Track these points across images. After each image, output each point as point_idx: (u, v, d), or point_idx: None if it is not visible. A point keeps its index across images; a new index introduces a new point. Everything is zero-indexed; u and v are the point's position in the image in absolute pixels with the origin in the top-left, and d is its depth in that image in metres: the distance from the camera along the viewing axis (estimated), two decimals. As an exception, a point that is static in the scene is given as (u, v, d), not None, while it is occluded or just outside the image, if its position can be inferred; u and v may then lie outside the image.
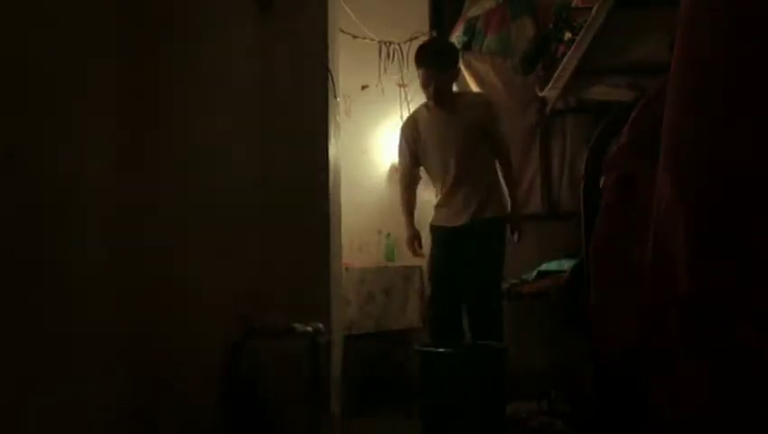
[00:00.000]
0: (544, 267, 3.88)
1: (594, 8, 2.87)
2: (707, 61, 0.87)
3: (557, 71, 3.49)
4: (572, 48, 3.19)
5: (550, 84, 3.71)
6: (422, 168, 3.54)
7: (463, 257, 3.29)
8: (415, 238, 3.50)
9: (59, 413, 1.20)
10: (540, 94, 4.10)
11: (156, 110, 1.70)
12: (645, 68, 3.22)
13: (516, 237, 3.40)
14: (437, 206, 3.42)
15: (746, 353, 0.84)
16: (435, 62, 3.30)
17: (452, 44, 3.96)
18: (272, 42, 2.87)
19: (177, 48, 1.85)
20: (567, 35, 3.30)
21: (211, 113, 2.15)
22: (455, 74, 3.46)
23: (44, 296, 1.17)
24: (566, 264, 3.65)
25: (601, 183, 1.70)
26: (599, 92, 3.77)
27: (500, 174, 3.44)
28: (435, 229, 3.43)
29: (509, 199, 3.45)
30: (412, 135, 3.45)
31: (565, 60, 3.33)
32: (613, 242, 1.33)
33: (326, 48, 2.96)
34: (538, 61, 3.92)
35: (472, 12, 4.52)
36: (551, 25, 3.60)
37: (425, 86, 3.34)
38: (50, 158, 1.20)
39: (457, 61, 3.50)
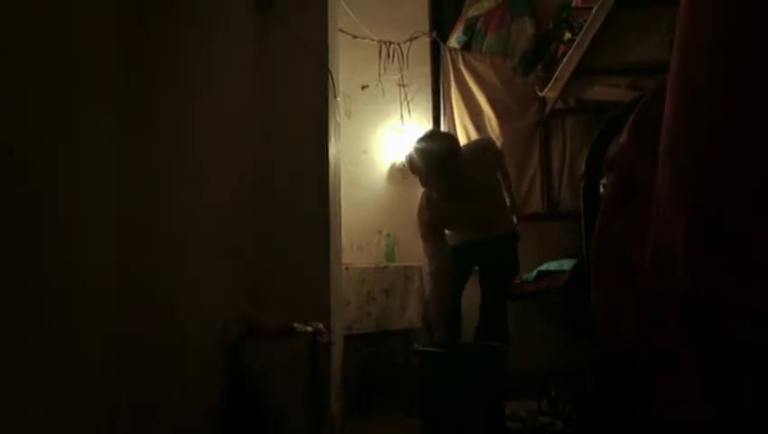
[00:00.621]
0: (544, 267, 3.89)
1: (594, 8, 2.87)
2: (707, 61, 0.87)
3: (557, 71, 3.49)
4: (572, 48, 3.19)
5: (550, 84, 3.71)
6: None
7: (480, 265, 3.35)
8: None
9: (59, 413, 1.20)
10: (540, 94, 4.11)
11: (156, 110, 1.70)
12: (645, 68, 3.22)
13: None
14: (455, 236, 3.38)
15: (746, 354, 0.84)
16: (438, 172, 3.01)
17: (449, 139, 3.28)
18: (272, 42, 2.87)
19: (176, 48, 1.85)
20: (567, 35, 3.29)
21: (211, 113, 2.15)
22: (459, 161, 3.03)
23: (44, 294, 1.17)
24: (566, 264, 3.67)
25: (601, 184, 1.70)
26: (599, 92, 3.78)
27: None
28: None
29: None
30: (439, 222, 3.17)
31: (565, 60, 3.32)
32: (613, 242, 1.33)
33: (326, 48, 2.96)
34: (537, 61, 3.92)
35: (472, 12, 4.52)
36: (551, 25, 3.60)
37: (427, 186, 3.15)
38: (50, 158, 1.20)
39: (457, 152, 3.06)
